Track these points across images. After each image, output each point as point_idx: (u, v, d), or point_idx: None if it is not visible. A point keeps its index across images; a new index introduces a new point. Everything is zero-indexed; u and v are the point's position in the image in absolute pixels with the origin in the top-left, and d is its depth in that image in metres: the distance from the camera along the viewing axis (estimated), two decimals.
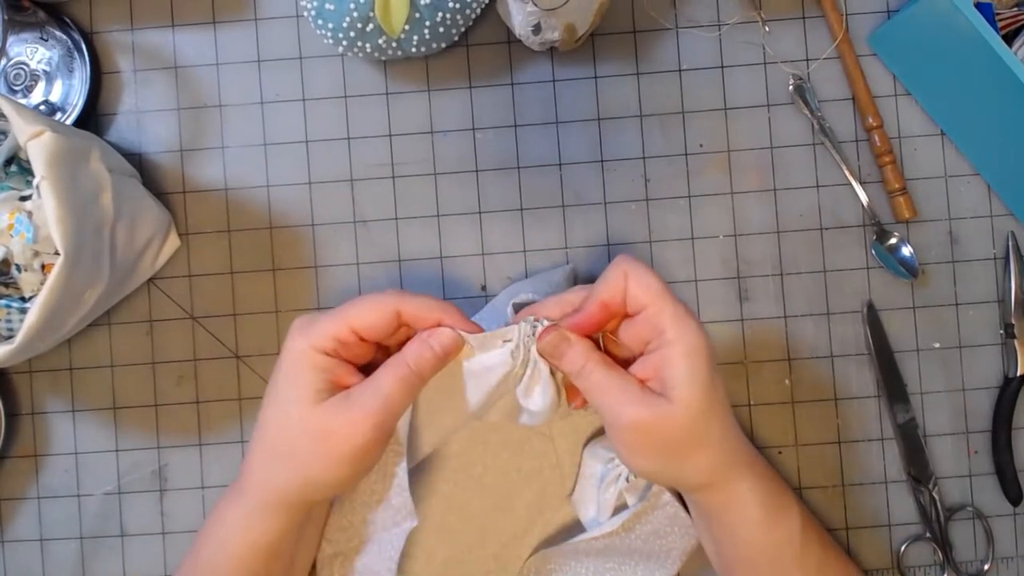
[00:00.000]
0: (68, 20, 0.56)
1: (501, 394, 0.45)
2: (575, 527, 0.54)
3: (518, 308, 0.49)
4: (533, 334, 0.43)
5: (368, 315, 0.42)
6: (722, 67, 0.57)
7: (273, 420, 0.42)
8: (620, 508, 0.51)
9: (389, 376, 0.42)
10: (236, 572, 0.43)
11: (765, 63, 0.57)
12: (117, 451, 0.56)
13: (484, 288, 0.56)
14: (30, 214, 0.47)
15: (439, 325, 0.43)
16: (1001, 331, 0.56)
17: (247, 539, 0.43)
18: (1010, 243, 0.56)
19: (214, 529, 0.45)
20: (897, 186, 0.55)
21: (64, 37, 0.55)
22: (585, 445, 0.54)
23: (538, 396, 0.44)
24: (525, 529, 0.54)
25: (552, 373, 0.44)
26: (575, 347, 0.42)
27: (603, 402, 0.42)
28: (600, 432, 0.54)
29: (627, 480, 0.50)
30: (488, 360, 0.43)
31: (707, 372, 0.41)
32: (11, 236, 0.47)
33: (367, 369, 0.43)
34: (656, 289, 0.41)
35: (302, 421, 0.41)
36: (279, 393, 0.42)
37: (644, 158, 0.57)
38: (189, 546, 0.46)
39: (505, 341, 0.43)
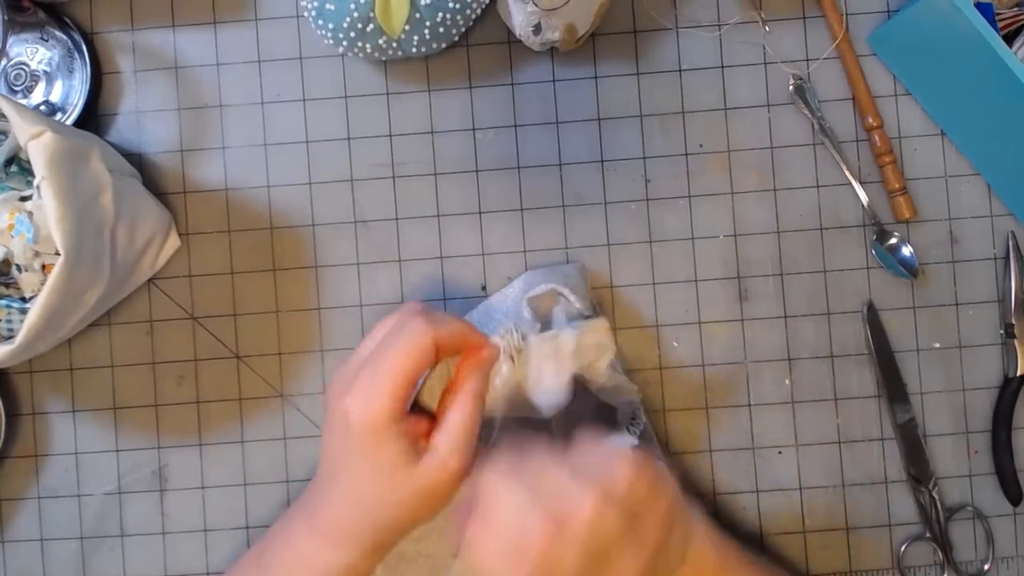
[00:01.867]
0: (68, 20, 0.56)
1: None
2: None
3: (532, 302, 0.50)
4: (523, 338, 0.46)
5: (417, 362, 0.41)
6: (722, 67, 0.57)
7: (369, 492, 0.42)
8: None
9: (466, 418, 0.42)
10: None
11: (765, 63, 0.57)
12: (117, 451, 0.56)
13: (484, 288, 0.56)
14: (30, 214, 0.47)
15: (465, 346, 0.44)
16: (1001, 331, 0.56)
17: None
18: (1010, 243, 0.56)
19: (297, 568, 0.44)
20: (897, 186, 0.55)
21: (64, 37, 0.56)
22: None
23: (551, 389, 0.46)
24: None
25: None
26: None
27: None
28: None
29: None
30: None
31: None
32: (11, 236, 0.47)
33: None
34: None
35: (405, 491, 0.41)
36: (364, 467, 0.42)
37: (644, 158, 0.57)
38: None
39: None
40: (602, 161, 0.57)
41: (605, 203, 0.57)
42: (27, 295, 0.50)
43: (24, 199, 0.48)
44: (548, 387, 0.47)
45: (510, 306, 0.54)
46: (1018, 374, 0.55)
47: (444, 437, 0.42)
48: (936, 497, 0.55)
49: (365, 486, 0.42)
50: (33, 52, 0.56)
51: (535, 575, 0.38)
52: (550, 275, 0.54)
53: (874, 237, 0.56)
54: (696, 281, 0.56)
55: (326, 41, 0.52)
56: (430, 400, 0.44)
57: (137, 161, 0.56)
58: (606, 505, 0.38)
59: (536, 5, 0.48)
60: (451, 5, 0.50)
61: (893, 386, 0.55)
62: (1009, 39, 0.52)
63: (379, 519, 0.42)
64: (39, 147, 0.43)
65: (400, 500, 0.42)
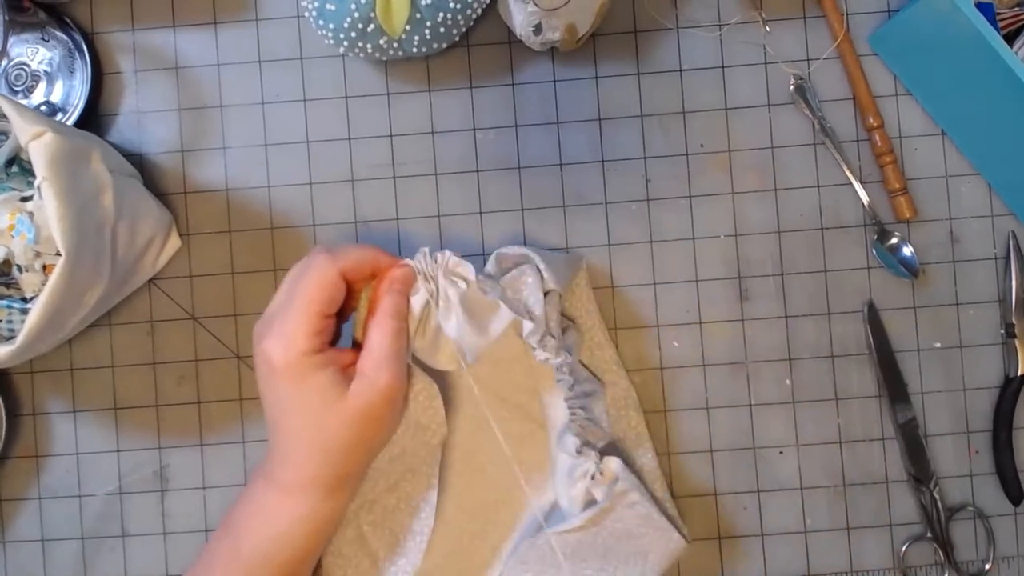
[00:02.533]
0: (69, 21, 0.56)
1: (427, 330, 0.47)
2: (553, 515, 0.53)
3: (501, 260, 0.50)
4: (436, 262, 0.46)
5: (325, 294, 0.43)
6: (723, 67, 0.57)
7: (308, 428, 0.43)
8: (590, 503, 0.51)
9: (385, 337, 0.44)
10: (295, 561, 0.45)
11: (766, 63, 0.57)
12: (118, 451, 0.56)
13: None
14: (31, 215, 0.47)
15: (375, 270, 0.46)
16: (1002, 331, 0.56)
17: (305, 528, 0.45)
18: (1011, 243, 0.56)
19: (261, 525, 0.45)
20: (898, 186, 0.55)
21: (65, 38, 0.56)
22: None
23: (452, 323, 0.46)
24: (523, 522, 0.54)
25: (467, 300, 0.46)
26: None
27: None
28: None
29: (593, 477, 0.50)
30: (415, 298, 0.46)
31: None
32: (12, 237, 0.47)
33: None
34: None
35: (341, 417, 0.43)
36: (296, 404, 0.43)
37: (645, 158, 0.57)
38: (217, 546, 0.46)
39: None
40: (603, 161, 0.57)
41: (606, 203, 0.57)
42: (28, 295, 0.50)
43: (25, 199, 0.48)
44: (452, 324, 0.47)
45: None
46: (1019, 374, 0.55)
47: (367, 358, 0.44)
48: (937, 497, 0.55)
49: (303, 423, 0.43)
50: (34, 52, 0.56)
51: None
52: (541, 255, 0.52)
53: (875, 237, 0.56)
54: (696, 281, 0.56)
55: (327, 41, 0.52)
56: (361, 335, 0.45)
57: (137, 161, 0.56)
58: None
59: (536, 5, 0.48)
60: (452, 5, 0.50)
61: (894, 386, 0.55)
62: (1009, 39, 0.52)
63: (327, 452, 0.44)
64: (40, 147, 0.44)
65: (340, 427, 0.43)
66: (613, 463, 0.50)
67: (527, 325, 0.48)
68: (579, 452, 0.50)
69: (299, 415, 0.43)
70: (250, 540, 0.45)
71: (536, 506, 0.54)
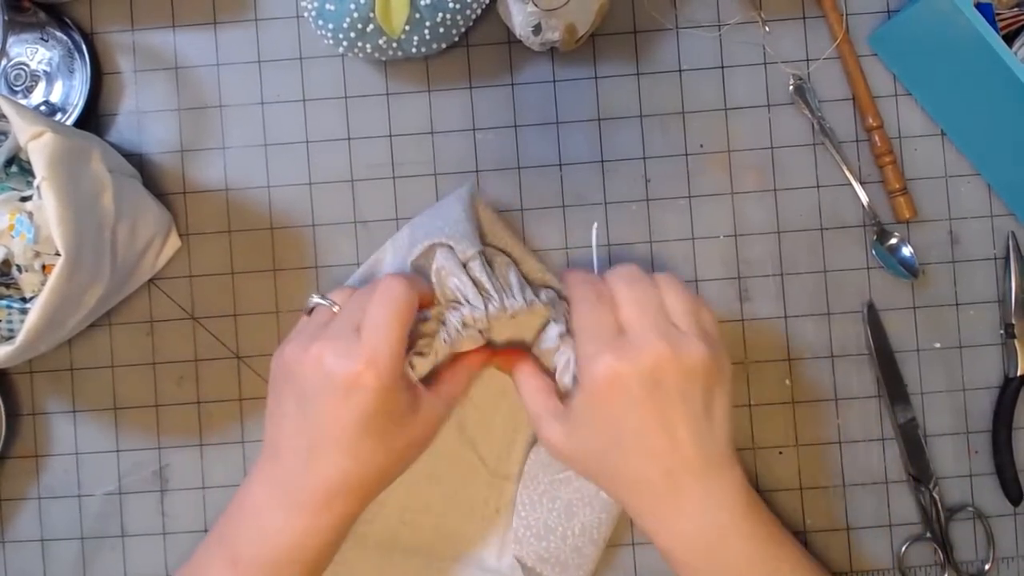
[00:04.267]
0: (68, 21, 0.56)
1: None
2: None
3: (417, 264, 0.50)
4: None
5: (411, 317, 0.44)
6: (722, 67, 0.57)
7: (363, 452, 0.43)
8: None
9: (456, 375, 0.48)
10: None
11: (765, 63, 0.57)
12: (118, 451, 0.56)
13: None
14: (31, 215, 0.47)
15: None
16: (1001, 331, 0.56)
17: (316, 541, 0.44)
18: (1010, 243, 0.56)
19: (264, 539, 0.44)
20: (897, 186, 0.55)
21: (64, 38, 0.56)
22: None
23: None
24: (508, 449, 0.54)
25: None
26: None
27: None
28: None
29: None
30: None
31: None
32: (12, 237, 0.47)
33: None
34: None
35: (404, 440, 0.45)
36: (370, 425, 0.42)
37: (644, 158, 0.57)
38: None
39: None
40: (602, 161, 0.57)
41: (605, 203, 0.57)
42: (27, 295, 0.50)
43: (24, 199, 0.48)
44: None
45: (398, 267, 0.53)
46: (1018, 374, 0.55)
47: (448, 385, 0.47)
48: (936, 497, 0.55)
49: (380, 441, 0.43)
50: (33, 52, 0.56)
51: (650, 386, 0.41)
52: (431, 222, 0.51)
53: (874, 237, 0.56)
54: (696, 281, 0.56)
55: (326, 41, 0.52)
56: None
57: (137, 161, 0.56)
58: (711, 348, 0.42)
59: (536, 5, 0.48)
60: (451, 5, 0.50)
61: (893, 386, 0.55)
62: (1009, 39, 0.51)
63: (383, 474, 0.44)
64: (39, 147, 0.43)
65: (403, 449, 0.44)
66: None
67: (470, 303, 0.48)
68: (561, 337, 0.49)
69: (375, 434, 0.42)
70: (249, 553, 0.43)
71: (517, 428, 0.54)
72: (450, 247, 0.48)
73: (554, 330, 0.49)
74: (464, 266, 0.48)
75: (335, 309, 0.46)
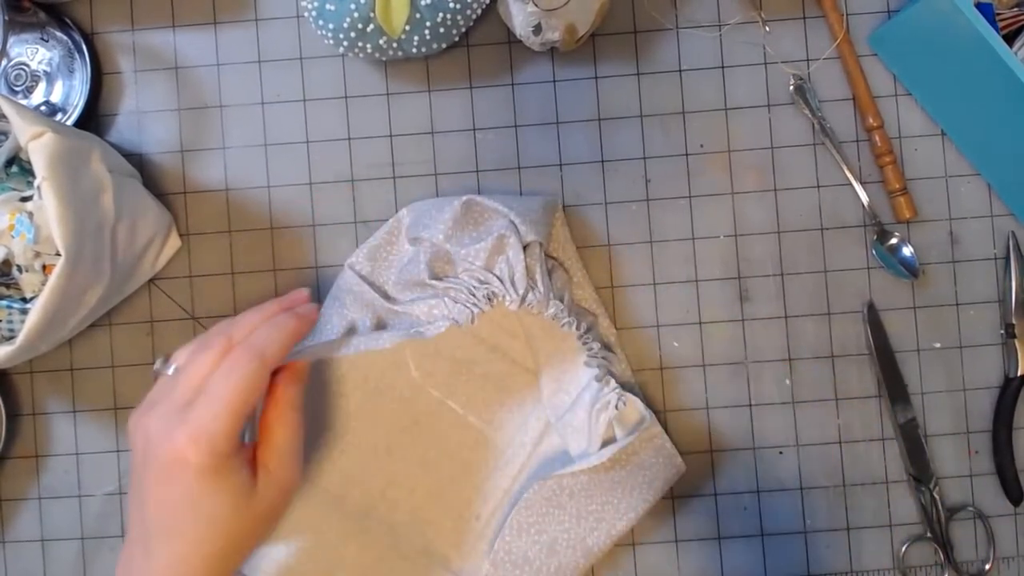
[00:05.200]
0: (69, 21, 0.56)
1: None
2: (558, 460, 0.54)
3: (471, 207, 0.51)
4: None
5: (255, 397, 0.41)
6: (722, 67, 0.57)
7: (212, 528, 0.40)
8: (608, 440, 0.51)
9: (289, 431, 0.44)
10: None
11: (765, 63, 0.57)
12: (118, 451, 0.56)
13: None
14: (31, 215, 0.47)
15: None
16: (1001, 331, 0.56)
17: None
18: (1010, 243, 0.56)
19: None
20: (897, 186, 0.55)
21: (65, 38, 0.56)
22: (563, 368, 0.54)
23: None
24: (507, 461, 0.54)
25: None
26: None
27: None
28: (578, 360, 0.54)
29: (616, 408, 0.50)
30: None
31: None
32: (12, 237, 0.47)
33: None
34: None
35: (249, 513, 0.41)
36: (205, 506, 0.40)
37: (644, 158, 0.57)
38: None
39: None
40: (602, 161, 0.57)
41: (605, 203, 0.57)
42: (28, 295, 0.50)
43: (25, 199, 0.48)
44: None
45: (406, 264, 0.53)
46: (1018, 374, 0.55)
47: (273, 454, 0.43)
48: (937, 497, 0.55)
49: (206, 525, 0.40)
50: (33, 52, 0.56)
51: None
52: (505, 199, 0.52)
53: (874, 237, 0.56)
54: (696, 281, 0.56)
55: (326, 41, 0.52)
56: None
57: (137, 161, 0.56)
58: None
59: (536, 5, 0.48)
60: (451, 5, 0.50)
61: (893, 386, 0.55)
62: (1009, 39, 0.51)
63: (234, 552, 0.41)
64: (40, 147, 0.44)
65: (249, 527, 0.41)
66: (635, 400, 0.51)
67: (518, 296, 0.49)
68: (598, 380, 0.50)
69: (204, 518, 0.40)
70: None
71: (519, 442, 0.54)
72: (514, 224, 0.49)
73: (591, 373, 0.51)
74: (524, 248, 0.49)
75: (169, 372, 0.43)
